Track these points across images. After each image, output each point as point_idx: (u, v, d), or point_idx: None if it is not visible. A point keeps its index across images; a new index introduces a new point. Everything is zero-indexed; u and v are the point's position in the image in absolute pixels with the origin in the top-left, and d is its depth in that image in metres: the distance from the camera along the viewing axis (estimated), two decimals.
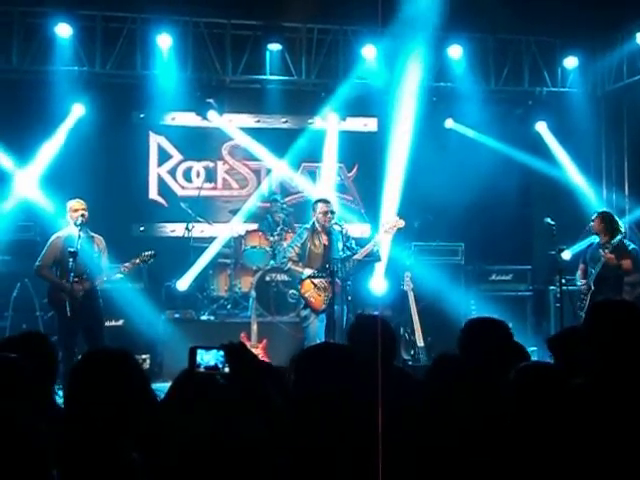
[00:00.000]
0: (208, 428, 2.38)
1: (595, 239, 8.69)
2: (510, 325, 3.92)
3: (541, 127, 11.60)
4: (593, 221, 8.65)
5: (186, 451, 2.38)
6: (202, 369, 2.80)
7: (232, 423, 2.37)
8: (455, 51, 10.92)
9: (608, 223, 8.62)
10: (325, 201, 8.71)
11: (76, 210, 7.83)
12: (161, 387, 3.32)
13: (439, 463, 2.81)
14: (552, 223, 8.78)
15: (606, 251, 8.39)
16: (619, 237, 8.49)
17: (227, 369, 2.79)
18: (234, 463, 2.25)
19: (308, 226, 8.74)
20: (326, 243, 8.55)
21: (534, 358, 8.91)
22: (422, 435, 2.89)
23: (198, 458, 2.30)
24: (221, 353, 2.81)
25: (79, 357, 4.73)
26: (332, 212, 8.55)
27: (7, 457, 1.71)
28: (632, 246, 8.70)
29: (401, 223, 8.62)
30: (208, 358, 2.80)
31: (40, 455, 1.76)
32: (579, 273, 8.73)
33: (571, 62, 11.29)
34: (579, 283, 8.70)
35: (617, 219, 8.73)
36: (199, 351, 2.81)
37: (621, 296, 7.94)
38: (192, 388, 2.88)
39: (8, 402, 1.83)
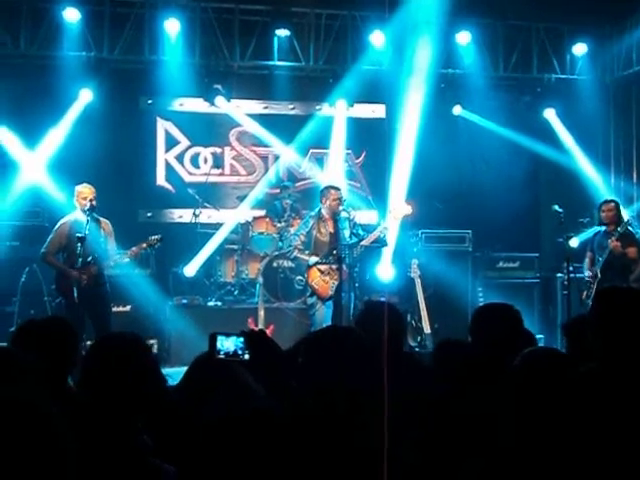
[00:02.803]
0: (224, 412, 2.39)
1: (601, 228, 8.67)
2: None
3: (550, 114, 11.56)
4: (603, 210, 8.62)
5: (199, 434, 2.39)
6: (222, 355, 2.81)
7: (249, 407, 2.38)
8: (464, 37, 10.87)
9: (619, 211, 8.62)
10: (336, 188, 8.70)
11: (85, 197, 7.82)
12: (169, 372, 3.33)
13: (448, 449, 2.82)
14: (560, 210, 8.77)
15: (613, 239, 8.38)
16: (625, 225, 8.48)
17: (247, 356, 2.80)
18: (249, 447, 2.25)
19: (314, 213, 8.74)
20: (332, 230, 8.55)
21: (541, 345, 8.97)
22: (433, 420, 2.89)
23: (212, 441, 2.30)
24: (241, 339, 2.81)
25: (88, 343, 4.75)
26: (341, 199, 8.55)
27: (30, 445, 1.72)
28: (638, 232, 8.70)
29: (409, 209, 8.62)
30: (228, 344, 2.81)
31: (61, 443, 1.76)
32: (587, 261, 8.73)
33: (580, 49, 11.23)
34: (586, 272, 8.69)
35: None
36: (219, 337, 2.81)
37: (628, 284, 7.93)
38: (210, 373, 2.90)
39: (28, 389, 1.84)
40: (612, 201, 8.80)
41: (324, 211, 8.59)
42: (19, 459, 1.69)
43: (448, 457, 2.84)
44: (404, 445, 2.63)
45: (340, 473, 2.64)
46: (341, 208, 8.50)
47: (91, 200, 7.78)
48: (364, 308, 4.27)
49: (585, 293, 8.53)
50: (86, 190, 7.87)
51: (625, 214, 8.77)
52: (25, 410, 1.75)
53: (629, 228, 8.55)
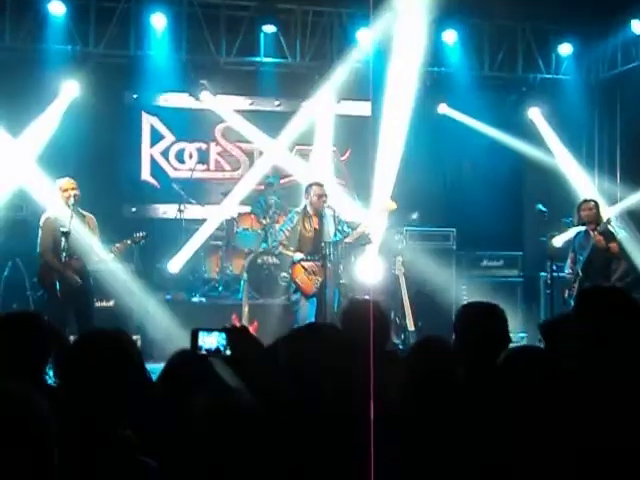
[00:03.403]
0: (205, 409, 2.39)
1: (582, 228, 8.69)
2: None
3: (534, 114, 11.60)
4: (583, 210, 8.65)
5: (182, 431, 2.39)
6: (203, 351, 2.80)
7: (230, 404, 2.38)
8: (450, 36, 10.90)
9: (599, 211, 8.67)
10: (319, 184, 8.71)
11: (66, 190, 7.75)
12: (152, 368, 3.32)
13: (428, 445, 2.83)
14: (544, 209, 8.82)
15: (595, 233, 8.41)
16: (606, 224, 8.53)
17: (228, 352, 2.79)
18: (231, 443, 2.26)
19: (299, 210, 8.75)
20: (317, 227, 8.56)
21: (524, 344, 9.01)
22: (409, 419, 2.91)
23: (193, 436, 2.31)
24: (223, 335, 2.81)
25: (71, 338, 4.73)
26: (325, 195, 8.56)
27: (16, 437, 1.73)
28: (619, 231, 8.75)
29: (393, 205, 8.64)
30: (210, 340, 2.80)
31: (45, 435, 1.77)
32: (568, 262, 8.76)
33: (565, 49, 11.27)
34: (567, 270, 8.73)
35: None
36: (201, 333, 2.80)
37: (609, 282, 7.96)
38: (189, 369, 2.89)
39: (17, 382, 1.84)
40: (591, 200, 8.83)
41: (309, 207, 8.60)
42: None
43: (433, 458, 2.85)
44: (386, 440, 2.63)
45: (322, 468, 2.65)
46: (325, 204, 8.51)
47: (74, 194, 7.73)
48: (348, 305, 4.27)
49: (567, 292, 8.58)
50: (67, 184, 7.81)
51: (606, 213, 8.82)
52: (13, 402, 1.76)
53: (609, 227, 8.59)
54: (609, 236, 8.51)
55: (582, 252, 8.54)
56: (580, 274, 8.44)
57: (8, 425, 1.74)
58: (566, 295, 8.54)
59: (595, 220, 8.56)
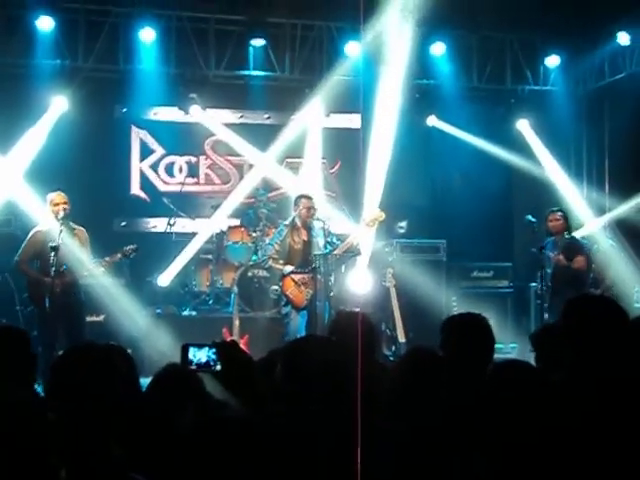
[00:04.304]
0: (194, 424, 2.39)
1: (550, 240, 8.68)
2: (491, 321, 3.95)
3: (523, 125, 11.64)
4: (550, 220, 8.63)
5: (172, 444, 2.38)
6: (194, 366, 2.80)
7: (223, 416, 2.38)
8: (438, 48, 10.94)
9: (567, 221, 8.65)
10: (308, 197, 8.73)
11: (57, 204, 7.76)
12: (143, 382, 3.32)
13: (415, 456, 2.83)
14: (533, 220, 8.85)
15: (555, 252, 8.39)
16: (568, 235, 8.52)
17: (219, 366, 2.80)
18: (224, 456, 2.25)
19: (287, 222, 8.76)
20: (305, 239, 8.58)
21: (514, 354, 9.04)
22: (397, 425, 2.91)
23: (185, 451, 2.30)
24: (213, 350, 2.81)
25: (59, 353, 4.72)
26: (314, 208, 8.58)
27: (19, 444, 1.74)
28: (585, 242, 8.74)
29: (382, 216, 8.66)
30: (200, 355, 2.81)
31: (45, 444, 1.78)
32: (539, 274, 8.72)
33: (553, 61, 11.32)
34: (537, 284, 8.72)
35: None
36: (191, 348, 2.82)
37: (583, 291, 7.91)
38: (177, 383, 2.89)
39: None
40: (558, 210, 8.82)
41: (297, 220, 8.61)
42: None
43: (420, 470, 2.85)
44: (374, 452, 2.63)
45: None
46: (314, 217, 8.53)
47: (64, 208, 7.73)
48: (335, 317, 4.28)
49: (543, 305, 8.57)
50: (58, 197, 7.81)
51: (584, 223, 8.75)
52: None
53: (575, 238, 8.57)
54: (574, 249, 8.46)
55: (549, 264, 8.53)
56: (550, 286, 8.44)
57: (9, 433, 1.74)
58: (544, 310, 8.52)
59: (562, 231, 8.55)
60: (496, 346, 3.79)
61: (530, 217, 8.90)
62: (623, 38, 10.45)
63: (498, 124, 11.62)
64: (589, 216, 10.79)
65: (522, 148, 11.51)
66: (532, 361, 3.78)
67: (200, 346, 2.83)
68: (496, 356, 3.81)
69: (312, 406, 2.71)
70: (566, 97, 11.55)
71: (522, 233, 10.62)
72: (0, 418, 1.78)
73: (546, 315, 8.37)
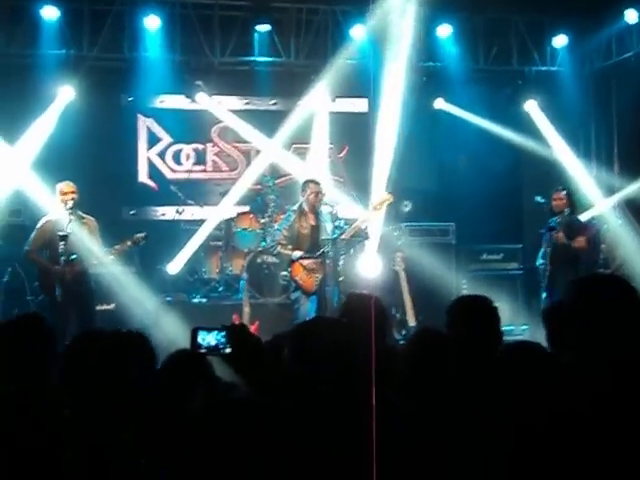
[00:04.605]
0: (203, 407, 2.39)
1: (553, 219, 8.64)
2: (498, 304, 3.94)
3: (531, 106, 11.58)
4: (554, 199, 8.60)
5: (182, 427, 2.39)
6: (203, 350, 2.81)
7: (232, 399, 2.38)
8: (444, 30, 10.88)
9: (571, 199, 8.61)
10: (315, 182, 8.72)
11: (65, 193, 7.81)
12: None
13: (424, 437, 2.83)
14: (542, 201, 8.83)
15: (555, 231, 8.36)
16: (569, 213, 8.48)
17: (228, 350, 2.80)
18: (234, 439, 2.26)
19: (295, 208, 8.76)
20: (313, 224, 8.58)
21: (525, 336, 9.02)
22: (407, 403, 2.91)
23: (194, 434, 2.31)
24: (222, 334, 2.82)
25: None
26: (322, 193, 8.57)
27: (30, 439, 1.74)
28: (590, 222, 8.69)
29: (389, 198, 8.65)
30: (209, 339, 2.81)
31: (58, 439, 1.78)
32: (541, 251, 8.70)
33: (560, 41, 11.25)
34: (538, 262, 8.70)
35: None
36: (200, 332, 2.82)
37: (577, 273, 7.87)
38: (186, 367, 2.90)
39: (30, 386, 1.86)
40: (563, 189, 8.79)
41: (305, 205, 8.61)
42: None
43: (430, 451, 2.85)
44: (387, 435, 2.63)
45: (325, 466, 2.65)
46: (321, 202, 8.52)
47: (73, 198, 7.77)
48: (346, 300, 4.28)
49: (541, 284, 8.56)
50: (67, 187, 7.86)
51: (593, 202, 8.72)
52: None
53: (577, 217, 8.54)
54: (575, 229, 8.43)
55: (549, 244, 8.50)
56: (549, 266, 8.41)
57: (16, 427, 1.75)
58: (542, 289, 8.50)
59: (564, 209, 8.51)
60: (507, 328, 3.80)
61: (539, 198, 8.87)
62: (631, 16, 10.37)
63: (505, 106, 11.56)
64: (598, 196, 10.74)
65: (530, 129, 11.46)
66: (544, 342, 3.76)
67: (209, 330, 2.83)
68: (507, 338, 3.81)
69: (321, 387, 2.72)
70: (573, 77, 11.48)
71: (531, 215, 10.60)
72: (17, 412, 1.79)
73: (544, 294, 8.35)
